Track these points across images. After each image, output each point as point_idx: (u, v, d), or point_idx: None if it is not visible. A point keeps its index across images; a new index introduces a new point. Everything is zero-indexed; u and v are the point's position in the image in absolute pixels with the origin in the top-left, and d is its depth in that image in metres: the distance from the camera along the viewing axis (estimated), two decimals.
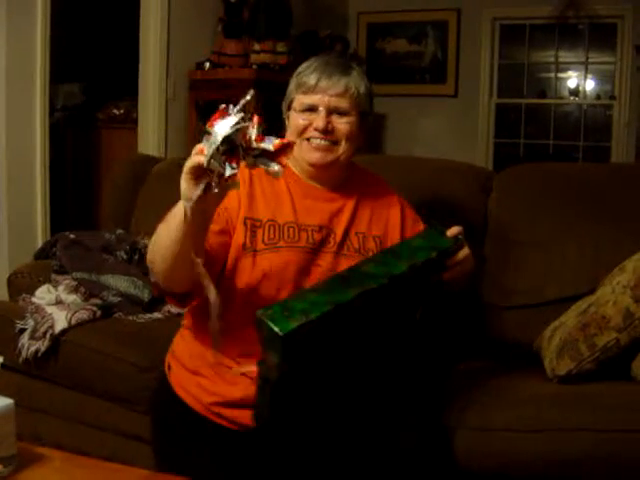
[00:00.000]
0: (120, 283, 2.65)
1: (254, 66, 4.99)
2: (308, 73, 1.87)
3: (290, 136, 1.90)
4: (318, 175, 1.92)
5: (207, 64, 5.09)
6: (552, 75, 6.86)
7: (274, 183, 1.88)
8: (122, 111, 5.61)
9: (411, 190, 2.41)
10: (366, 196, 1.97)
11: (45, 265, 2.86)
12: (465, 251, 1.77)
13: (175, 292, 1.80)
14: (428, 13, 6.68)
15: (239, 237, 1.81)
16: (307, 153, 1.88)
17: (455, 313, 2.46)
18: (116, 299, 2.63)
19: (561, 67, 6.81)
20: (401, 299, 1.69)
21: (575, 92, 6.82)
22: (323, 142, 1.86)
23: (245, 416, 1.76)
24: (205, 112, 5.13)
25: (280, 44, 5.10)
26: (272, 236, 1.82)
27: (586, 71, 6.73)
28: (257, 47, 5.06)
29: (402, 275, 1.61)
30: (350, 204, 1.93)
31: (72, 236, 2.89)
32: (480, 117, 6.73)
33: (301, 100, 1.87)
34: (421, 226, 2.03)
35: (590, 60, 6.66)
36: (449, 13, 6.64)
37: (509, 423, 1.94)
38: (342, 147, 1.89)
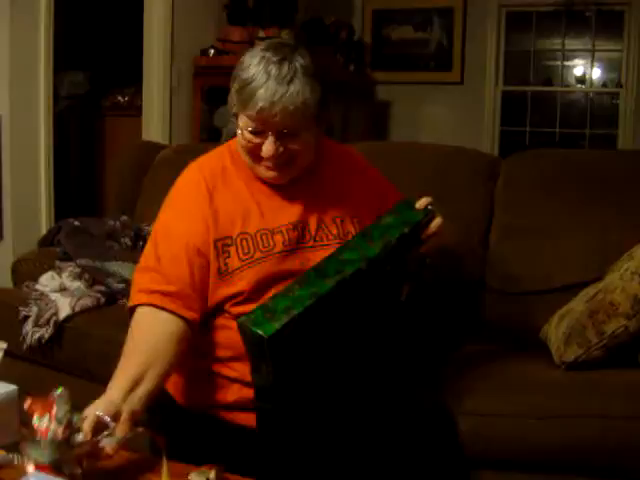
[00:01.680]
0: (124, 270, 2.65)
1: None
2: (249, 93, 1.62)
3: (240, 149, 1.77)
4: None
5: (212, 51, 5.07)
6: (559, 63, 6.82)
7: (235, 192, 1.78)
8: (127, 98, 5.61)
9: (417, 176, 2.40)
10: (335, 179, 1.87)
11: (49, 252, 2.86)
12: (438, 221, 1.73)
13: None
14: (434, 0, 6.64)
15: (213, 263, 1.72)
16: (261, 172, 1.75)
17: (458, 298, 2.45)
18: (120, 286, 2.62)
19: (568, 55, 6.76)
20: (382, 280, 1.67)
21: (582, 80, 6.78)
22: (276, 163, 1.71)
23: (241, 417, 1.74)
24: (210, 98, 5.12)
25: (285, 31, 5.08)
26: (247, 250, 1.73)
27: (593, 59, 6.68)
28: (262, 34, 5.03)
29: (378, 256, 1.59)
30: (319, 192, 1.83)
31: (76, 223, 2.89)
32: (486, 105, 6.69)
33: (245, 121, 1.67)
34: (382, 183, 2.00)
35: (597, 48, 6.62)
36: (455, 0, 6.60)
37: (516, 409, 1.93)
38: (298, 163, 1.74)
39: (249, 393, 1.66)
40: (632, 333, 2.00)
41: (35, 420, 1.35)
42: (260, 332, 1.41)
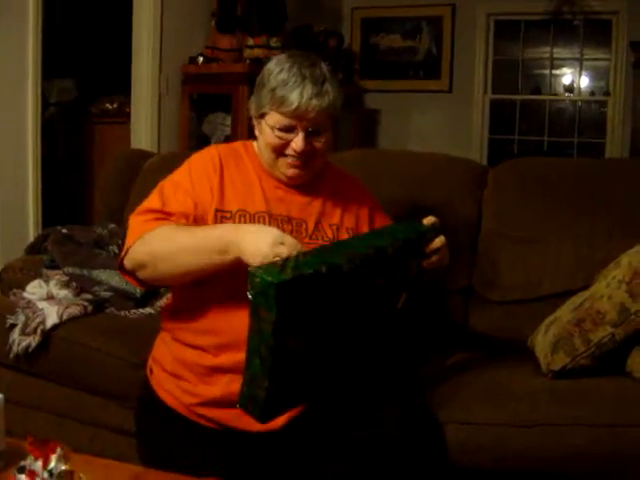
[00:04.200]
0: (112, 278, 2.63)
1: (247, 61, 4.98)
2: (286, 92, 1.78)
3: (262, 147, 1.88)
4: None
5: (200, 59, 5.07)
6: (547, 71, 6.86)
7: (244, 173, 1.89)
8: (115, 106, 5.60)
9: (406, 184, 2.40)
10: (337, 191, 1.97)
11: (36, 260, 2.85)
12: (442, 239, 1.78)
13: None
14: (422, 8, 6.67)
15: None
16: (283, 168, 1.87)
17: (441, 306, 2.45)
18: (108, 294, 2.61)
19: (556, 63, 6.80)
20: (385, 278, 1.69)
21: (570, 88, 6.81)
22: (300, 159, 1.84)
23: (226, 415, 1.76)
24: (198, 106, 5.12)
25: (274, 39, 5.09)
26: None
27: (581, 67, 6.72)
28: (251, 42, 5.04)
29: (385, 249, 1.64)
30: (320, 198, 1.94)
31: (64, 231, 2.88)
32: (474, 113, 6.72)
33: (277, 119, 1.81)
34: (380, 211, 2.08)
35: (585, 56, 6.66)
36: (444, 8, 6.63)
37: (503, 418, 1.93)
38: (315, 162, 1.89)
39: (237, 388, 1.67)
40: (619, 341, 2.00)
41: (29, 459, 1.43)
42: (270, 278, 1.42)
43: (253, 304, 1.47)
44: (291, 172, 1.86)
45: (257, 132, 1.91)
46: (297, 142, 1.80)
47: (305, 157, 1.84)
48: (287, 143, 1.82)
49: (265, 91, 1.82)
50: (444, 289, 2.53)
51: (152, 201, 1.83)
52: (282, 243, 1.58)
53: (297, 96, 1.76)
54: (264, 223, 1.82)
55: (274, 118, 1.81)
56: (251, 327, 1.49)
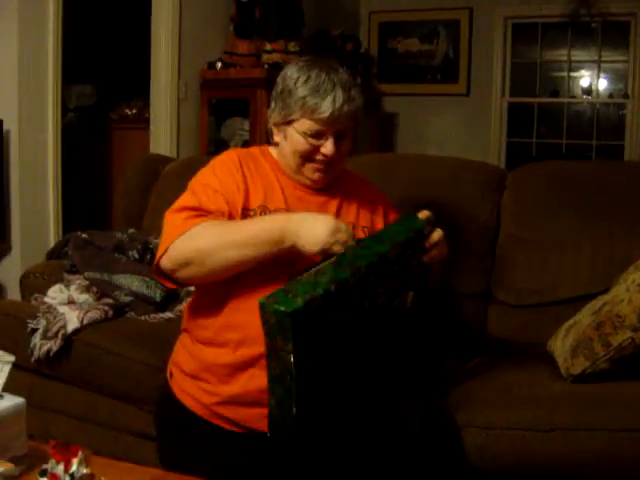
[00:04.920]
0: (132, 283, 2.65)
1: (265, 66, 4.99)
2: (319, 100, 1.80)
3: (289, 153, 1.89)
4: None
5: (219, 64, 5.09)
6: (565, 74, 6.83)
7: (263, 174, 1.91)
8: (134, 111, 5.63)
9: (424, 188, 2.41)
10: (352, 192, 1.99)
11: (57, 265, 2.87)
12: (439, 232, 1.80)
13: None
14: (440, 12, 6.66)
15: None
16: (309, 173, 1.89)
17: (465, 309, 2.45)
18: (128, 299, 2.63)
19: (574, 66, 6.77)
20: (391, 281, 1.70)
21: (588, 91, 6.78)
22: (328, 163, 1.87)
23: (247, 415, 1.77)
24: (217, 111, 5.14)
25: (292, 44, 5.10)
26: None
27: (599, 70, 6.69)
28: (269, 47, 5.06)
29: (388, 254, 1.65)
30: (337, 198, 1.95)
31: (84, 236, 2.90)
32: (492, 116, 6.70)
33: (309, 125, 1.83)
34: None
35: (603, 59, 6.63)
36: (461, 12, 6.62)
37: (522, 422, 1.92)
38: (338, 165, 1.92)
39: (256, 384, 1.67)
40: (639, 345, 1.99)
41: (51, 462, 1.46)
42: (283, 308, 1.42)
43: (269, 334, 1.47)
44: (317, 176, 1.88)
45: (278, 139, 1.92)
46: (328, 147, 1.83)
47: (332, 161, 1.86)
48: (316, 148, 1.84)
49: (294, 98, 1.82)
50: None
51: (187, 200, 1.83)
52: (339, 230, 1.63)
53: (330, 103, 1.79)
54: None
55: (305, 125, 1.83)
56: (268, 353, 1.49)
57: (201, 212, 1.79)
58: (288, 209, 1.86)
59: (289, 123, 1.86)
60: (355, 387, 1.72)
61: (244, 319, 1.76)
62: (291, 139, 1.86)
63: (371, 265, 1.60)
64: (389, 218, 2.03)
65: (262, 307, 1.46)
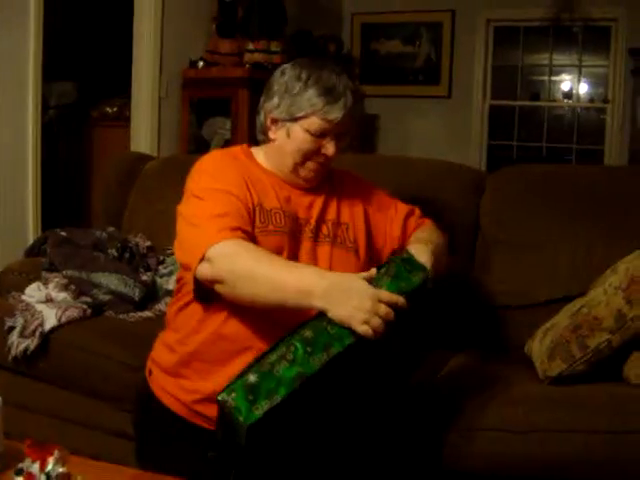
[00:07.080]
0: (111, 281, 2.64)
1: (248, 65, 4.99)
2: (333, 101, 1.81)
3: (288, 151, 1.86)
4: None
5: (201, 63, 5.09)
6: (546, 78, 6.87)
7: (255, 173, 1.89)
8: (115, 109, 5.61)
9: (404, 190, 2.40)
10: (334, 189, 1.98)
11: (35, 262, 2.85)
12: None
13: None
14: (422, 14, 6.68)
15: None
16: (306, 172, 1.88)
17: (443, 311, 2.45)
18: (106, 297, 2.61)
19: (555, 70, 6.81)
20: (372, 347, 1.60)
21: (568, 95, 6.83)
22: (325, 164, 1.88)
23: None
24: (198, 110, 5.13)
25: (274, 43, 5.11)
26: (263, 220, 1.82)
27: (580, 74, 6.74)
28: (251, 46, 5.06)
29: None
30: (321, 196, 1.94)
31: (63, 233, 2.88)
32: (473, 119, 6.73)
33: (319, 124, 1.82)
34: (389, 211, 2.07)
35: (584, 63, 6.67)
36: (443, 14, 6.64)
37: (499, 424, 1.93)
38: (329, 164, 1.92)
39: None
40: (615, 347, 2.00)
41: (26, 461, 1.45)
42: (241, 418, 1.40)
43: (222, 422, 1.47)
44: (311, 176, 1.88)
45: (275, 135, 1.89)
46: (330, 147, 1.85)
47: (329, 161, 1.88)
48: (319, 148, 1.85)
49: (306, 96, 1.81)
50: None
51: (209, 207, 1.76)
52: (380, 300, 1.55)
53: (342, 105, 1.81)
54: (280, 220, 1.82)
55: (315, 123, 1.82)
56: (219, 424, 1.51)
57: (230, 221, 1.73)
58: (282, 208, 1.85)
59: (296, 120, 1.84)
60: (316, 426, 1.69)
61: (238, 331, 1.77)
62: (296, 137, 1.85)
63: (348, 348, 1.51)
64: (388, 212, 2.04)
65: (219, 404, 1.44)
